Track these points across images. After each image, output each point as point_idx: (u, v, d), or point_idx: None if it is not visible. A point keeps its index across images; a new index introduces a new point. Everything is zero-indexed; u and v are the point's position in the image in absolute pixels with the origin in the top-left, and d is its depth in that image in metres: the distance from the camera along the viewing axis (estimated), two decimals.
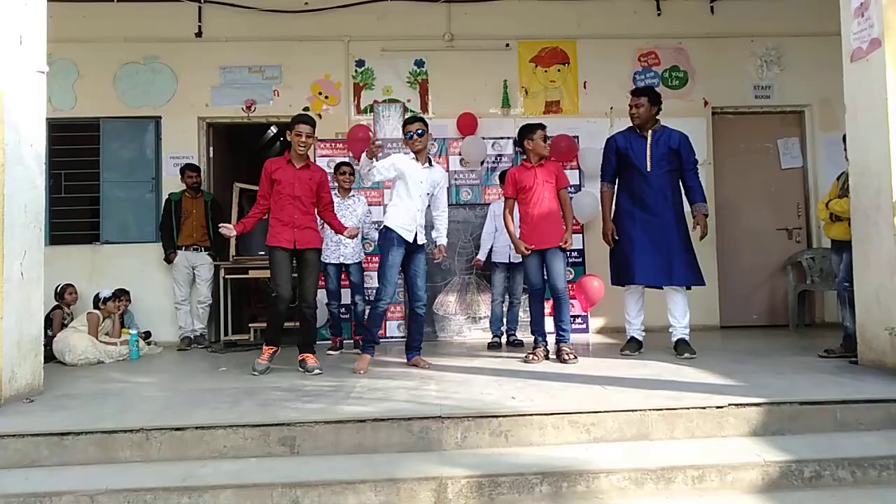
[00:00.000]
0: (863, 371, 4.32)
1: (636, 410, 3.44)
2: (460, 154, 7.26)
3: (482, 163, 7.24)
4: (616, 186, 5.47)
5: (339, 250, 6.08)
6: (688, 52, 7.58)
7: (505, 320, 6.39)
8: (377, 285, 5.16)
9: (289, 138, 5.11)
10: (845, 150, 4.72)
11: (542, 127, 5.29)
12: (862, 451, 3.19)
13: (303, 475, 3.03)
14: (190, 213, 6.98)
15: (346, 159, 6.76)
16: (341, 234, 5.34)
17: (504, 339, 6.36)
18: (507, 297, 6.39)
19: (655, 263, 5.13)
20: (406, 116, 5.61)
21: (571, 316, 6.86)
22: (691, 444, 3.32)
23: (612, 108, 7.33)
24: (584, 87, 7.54)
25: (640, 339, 5.40)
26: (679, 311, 5.24)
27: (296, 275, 5.19)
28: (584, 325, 7.13)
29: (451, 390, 4.04)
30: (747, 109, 7.64)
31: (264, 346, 5.10)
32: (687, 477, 3.04)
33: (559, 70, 7.55)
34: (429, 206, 5.32)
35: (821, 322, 7.45)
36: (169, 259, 6.95)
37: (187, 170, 6.99)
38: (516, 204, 5.34)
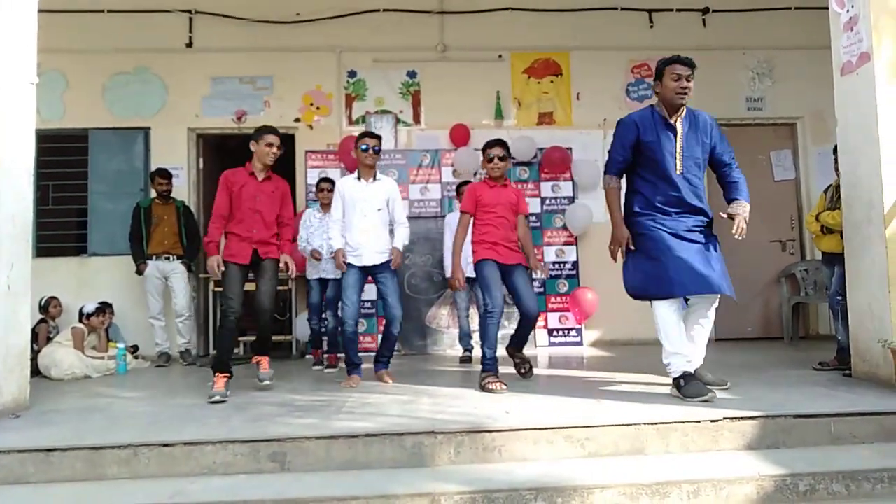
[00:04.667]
0: (857, 384, 4.31)
1: (631, 425, 3.41)
2: (453, 165, 7.28)
3: (475, 174, 7.22)
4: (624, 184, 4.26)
5: (320, 265, 5.91)
6: None
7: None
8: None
9: (253, 149, 4.79)
10: (836, 161, 4.73)
11: (493, 144, 4.79)
12: (856, 464, 3.18)
13: (293, 492, 2.98)
14: (161, 219, 6.62)
15: (328, 175, 6.57)
16: (286, 253, 4.89)
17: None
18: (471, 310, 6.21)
19: (695, 270, 3.92)
20: (363, 131, 5.35)
21: (567, 329, 6.81)
22: (686, 459, 3.29)
23: (605, 120, 7.33)
24: (578, 98, 7.56)
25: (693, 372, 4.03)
26: (705, 336, 4.19)
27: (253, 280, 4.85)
28: (578, 339, 7.11)
29: (445, 405, 4.00)
30: (740, 122, 7.68)
31: (216, 374, 4.58)
32: (682, 492, 3.01)
33: (552, 81, 7.57)
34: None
35: (815, 334, 7.46)
36: (139, 270, 6.57)
37: (157, 176, 6.68)
38: (472, 222, 4.80)
